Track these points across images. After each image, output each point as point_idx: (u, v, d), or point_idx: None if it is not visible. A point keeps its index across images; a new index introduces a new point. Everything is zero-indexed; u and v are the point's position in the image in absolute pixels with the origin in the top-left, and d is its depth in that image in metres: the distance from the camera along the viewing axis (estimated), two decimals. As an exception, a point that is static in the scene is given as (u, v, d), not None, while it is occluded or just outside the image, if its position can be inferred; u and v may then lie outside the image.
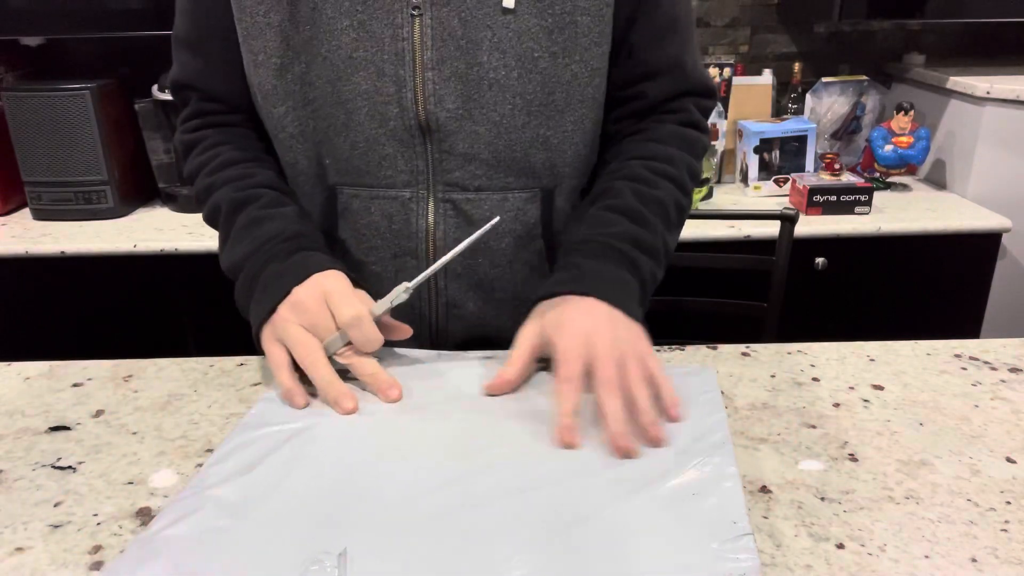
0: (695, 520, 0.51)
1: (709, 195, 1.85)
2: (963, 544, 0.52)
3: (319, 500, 0.54)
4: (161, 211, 1.89)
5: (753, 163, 1.88)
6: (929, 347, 0.79)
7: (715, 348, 0.80)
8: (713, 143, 1.87)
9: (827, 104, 2.01)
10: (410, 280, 0.70)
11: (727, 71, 1.91)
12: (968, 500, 0.56)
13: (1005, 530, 0.53)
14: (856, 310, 1.78)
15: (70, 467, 0.62)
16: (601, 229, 0.76)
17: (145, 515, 0.56)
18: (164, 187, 1.89)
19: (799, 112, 2.02)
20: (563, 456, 0.59)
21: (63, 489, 0.59)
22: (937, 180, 1.98)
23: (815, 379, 0.73)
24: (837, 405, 0.69)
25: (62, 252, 1.66)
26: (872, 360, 0.77)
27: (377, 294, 0.70)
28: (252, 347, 0.73)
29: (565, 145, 0.80)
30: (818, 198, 1.74)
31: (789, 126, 1.89)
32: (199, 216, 0.87)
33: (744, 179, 1.91)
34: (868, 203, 1.74)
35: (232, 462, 0.59)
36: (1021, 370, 0.75)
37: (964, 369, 0.75)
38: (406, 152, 0.78)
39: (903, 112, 1.86)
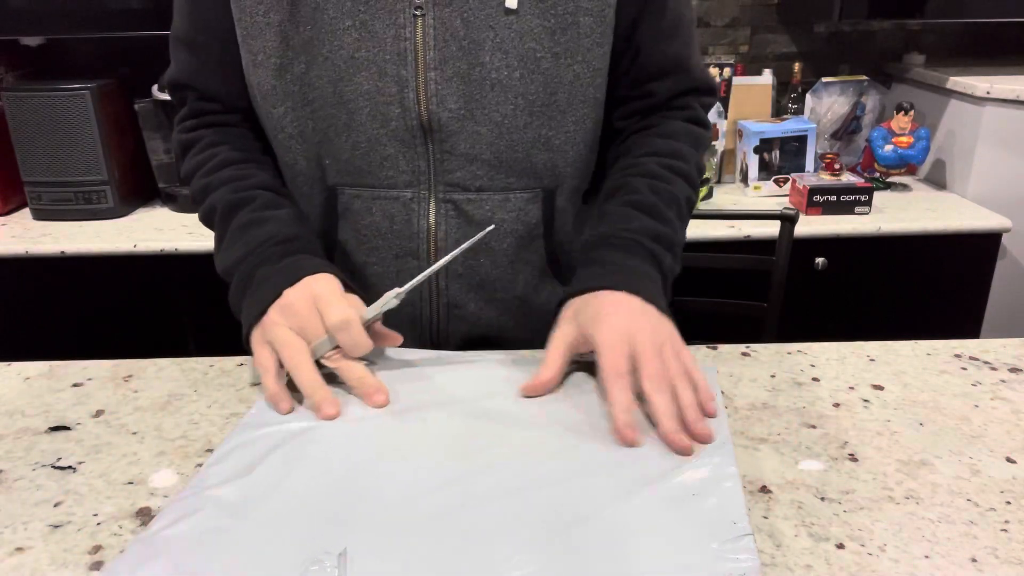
0: (695, 520, 0.51)
1: (709, 195, 1.85)
2: (963, 544, 0.51)
3: (319, 500, 0.54)
4: (161, 211, 1.89)
5: (753, 163, 1.88)
6: (929, 347, 0.79)
7: (715, 348, 0.80)
8: (713, 143, 1.87)
9: (827, 104, 2.01)
10: (410, 281, 0.70)
11: (727, 71, 1.91)
12: (968, 500, 0.56)
13: (1005, 530, 0.53)
14: (856, 310, 1.78)
15: (70, 467, 0.62)
16: (623, 224, 0.76)
17: (145, 515, 0.56)
18: (164, 187, 1.89)
19: (799, 112, 2.02)
20: (563, 456, 0.59)
21: (63, 489, 0.59)
22: (937, 180, 1.98)
23: (815, 379, 0.73)
24: (837, 405, 0.69)
25: (62, 252, 1.66)
26: (872, 360, 0.77)
27: (378, 295, 0.70)
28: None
29: (567, 145, 0.80)
30: (818, 198, 1.74)
31: (789, 126, 1.89)
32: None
33: (744, 179, 1.91)
34: (868, 203, 1.74)
35: (232, 462, 0.59)
36: (1021, 370, 0.75)
37: (964, 369, 0.75)
38: (407, 152, 0.78)
39: (903, 112, 1.86)
